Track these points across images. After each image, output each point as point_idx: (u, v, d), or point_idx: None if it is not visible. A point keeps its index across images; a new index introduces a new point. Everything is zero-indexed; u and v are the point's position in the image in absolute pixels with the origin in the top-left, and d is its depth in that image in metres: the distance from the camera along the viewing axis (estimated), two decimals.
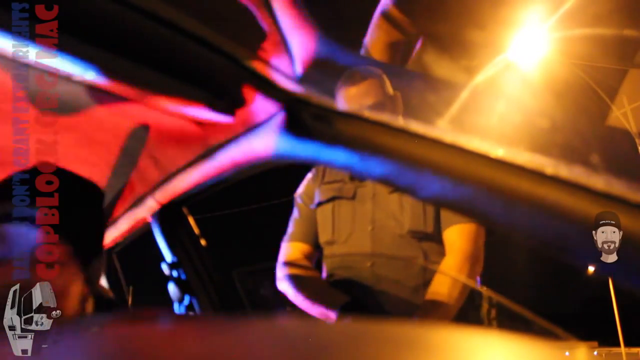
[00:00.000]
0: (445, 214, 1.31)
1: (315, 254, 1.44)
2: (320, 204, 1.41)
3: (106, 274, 1.55)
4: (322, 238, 1.40)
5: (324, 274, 1.39)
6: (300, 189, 1.49)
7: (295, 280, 1.37)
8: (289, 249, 1.45)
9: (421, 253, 1.28)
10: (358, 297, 1.28)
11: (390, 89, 1.37)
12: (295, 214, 1.47)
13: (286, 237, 1.47)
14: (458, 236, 1.29)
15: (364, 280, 1.29)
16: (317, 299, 1.30)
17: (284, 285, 1.39)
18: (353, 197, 1.37)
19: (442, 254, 1.31)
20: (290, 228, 1.47)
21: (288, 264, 1.42)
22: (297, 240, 1.44)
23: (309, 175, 1.49)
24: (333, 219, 1.38)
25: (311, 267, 1.42)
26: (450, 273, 1.26)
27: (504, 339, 0.37)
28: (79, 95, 0.77)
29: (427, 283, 1.26)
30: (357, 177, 1.35)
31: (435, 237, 1.31)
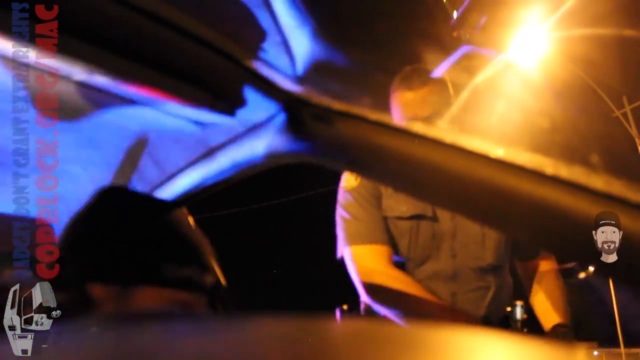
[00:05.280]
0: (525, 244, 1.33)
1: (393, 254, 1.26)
2: (398, 218, 1.26)
3: None
4: (395, 251, 1.26)
5: None
6: (354, 183, 1.30)
7: (400, 300, 1.17)
8: (368, 254, 1.23)
9: (493, 284, 1.27)
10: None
11: (452, 94, 1.24)
12: (357, 211, 1.27)
13: (352, 239, 1.25)
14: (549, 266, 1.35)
15: None
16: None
17: (384, 303, 1.18)
18: (434, 218, 1.25)
19: (507, 283, 1.33)
20: (355, 227, 1.26)
21: (377, 273, 1.19)
22: (374, 242, 1.23)
23: None
24: (410, 237, 1.25)
25: (405, 277, 1.21)
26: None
27: (504, 339, 0.37)
28: (79, 96, 0.77)
29: (491, 313, 1.26)
30: None
31: (504, 269, 1.31)
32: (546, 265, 1.37)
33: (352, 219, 1.27)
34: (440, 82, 1.25)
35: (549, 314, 1.28)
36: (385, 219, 1.27)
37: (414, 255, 1.27)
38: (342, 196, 1.32)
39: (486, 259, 1.26)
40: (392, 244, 1.27)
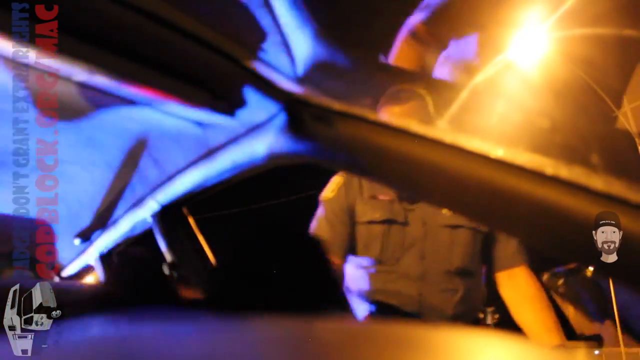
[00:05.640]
0: (504, 254, 1.40)
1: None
2: (371, 222, 1.37)
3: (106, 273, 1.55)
4: (366, 253, 1.37)
5: (367, 286, 1.37)
6: (330, 194, 1.43)
7: None
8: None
9: (462, 287, 1.35)
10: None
11: (432, 110, 1.37)
12: (322, 224, 1.40)
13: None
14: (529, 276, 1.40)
15: (410, 307, 1.33)
16: None
17: None
18: (405, 223, 1.36)
19: (478, 289, 1.40)
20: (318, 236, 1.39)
21: None
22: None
23: (338, 180, 1.43)
24: (382, 241, 1.36)
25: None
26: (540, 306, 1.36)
27: (504, 340, 0.37)
28: (79, 96, 0.77)
29: (460, 315, 1.33)
30: (404, 198, 1.34)
31: (475, 273, 1.38)
32: (524, 276, 1.41)
33: (316, 230, 1.41)
34: (422, 97, 1.38)
35: (543, 336, 1.30)
36: (355, 225, 1.39)
37: (385, 258, 1.36)
38: (319, 205, 1.44)
39: (454, 262, 1.35)
40: (369, 248, 1.37)
